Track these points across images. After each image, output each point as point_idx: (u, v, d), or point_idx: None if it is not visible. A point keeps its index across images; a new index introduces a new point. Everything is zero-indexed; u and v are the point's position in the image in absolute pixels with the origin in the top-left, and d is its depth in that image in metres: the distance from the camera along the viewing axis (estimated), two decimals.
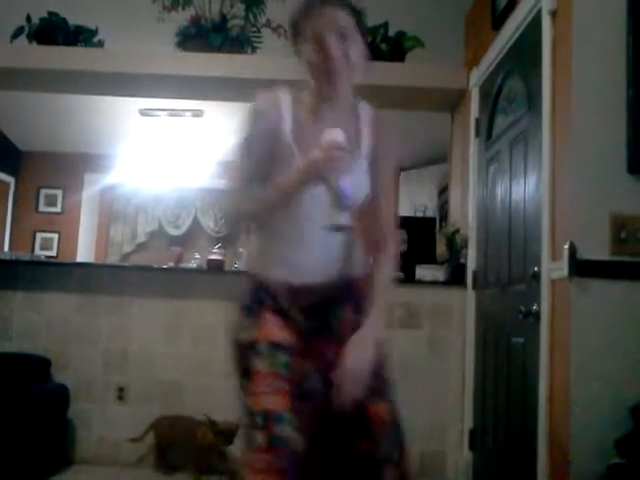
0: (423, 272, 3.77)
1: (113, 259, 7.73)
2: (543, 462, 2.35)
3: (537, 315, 2.46)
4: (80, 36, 3.90)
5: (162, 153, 7.08)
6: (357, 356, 1.53)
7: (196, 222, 7.97)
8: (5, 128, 6.81)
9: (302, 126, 1.61)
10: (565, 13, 2.36)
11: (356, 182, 1.58)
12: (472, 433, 3.39)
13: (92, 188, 7.51)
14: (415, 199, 6.32)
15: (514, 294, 2.82)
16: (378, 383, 1.60)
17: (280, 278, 1.62)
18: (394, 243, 1.70)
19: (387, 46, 3.81)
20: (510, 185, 2.95)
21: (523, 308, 2.56)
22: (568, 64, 2.30)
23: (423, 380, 3.56)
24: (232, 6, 3.90)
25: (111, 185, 7.56)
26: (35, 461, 3.16)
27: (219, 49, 3.84)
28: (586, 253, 2.19)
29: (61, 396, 3.45)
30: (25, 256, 4.36)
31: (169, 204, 7.96)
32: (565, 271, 2.20)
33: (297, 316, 1.62)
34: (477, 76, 3.55)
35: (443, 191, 5.57)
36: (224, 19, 3.87)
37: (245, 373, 1.55)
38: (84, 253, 7.39)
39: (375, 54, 3.82)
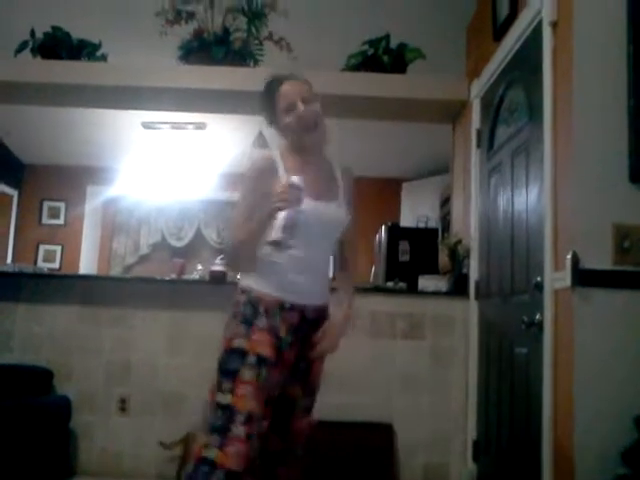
0: (426, 283, 3.77)
1: (116, 271, 7.74)
2: (548, 473, 2.33)
3: (540, 325, 2.45)
4: (84, 50, 3.93)
5: (165, 165, 7.11)
6: (335, 326, 2.03)
7: (199, 234, 7.98)
8: (8, 141, 6.84)
9: (297, 172, 1.96)
10: (566, 24, 2.37)
11: (335, 212, 2.05)
12: (476, 444, 3.37)
13: (95, 200, 7.54)
14: (417, 210, 6.32)
15: (517, 304, 2.82)
16: (310, 401, 2.06)
17: (274, 298, 1.96)
18: (352, 271, 2.28)
19: (388, 58, 3.83)
20: (512, 195, 2.96)
21: (526, 318, 2.56)
22: (569, 74, 2.31)
23: (426, 391, 3.55)
24: (234, 19, 3.92)
25: (114, 197, 7.59)
26: (37, 473, 3.15)
27: (221, 62, 3.86)
28: (589, 263, 2.18)
29: (63, 408, 3.45)
30: (28, 268, 4.37)
31: (172, 216, 7.98)
32: (568, 281, 2.20)
33: (282, 332, 1.95)
34: (478, 87, 3.57)
35: (445, 202, 5.58)
36: (226, 32, 3.90)
37: (227, 374, 1.92)
38: (87, 265, 7.41)
39: (376, 66, 3.85)
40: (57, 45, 3.88)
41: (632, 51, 2.23)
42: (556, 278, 2.33)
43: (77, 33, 3.94)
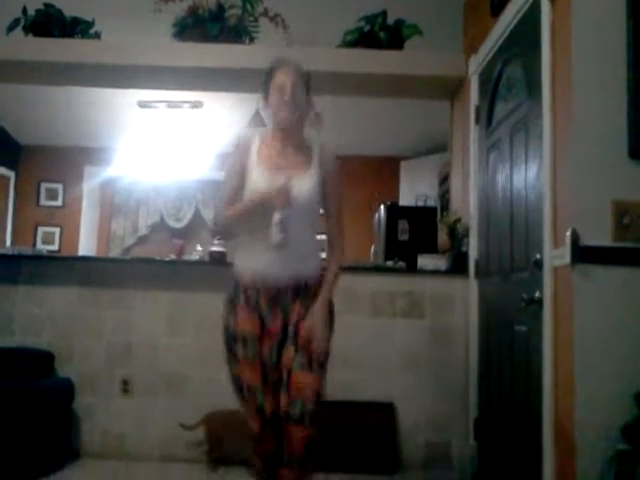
0: (425, 261, 3.77)
1: (115, 253, 7.74)
2: (548, 449, 2.35)
3: (540, 302, 2.45)
4: (77, 28, 3.87)
5: (162, 145, 7.06)
6: (315, 315, 2.19)
7: (197, 215, 7.97)
8: (4, 122, 6.79)
9: (265, 151, 2.26)
10: None
11: (303, 190, 2.19)
12: (477, 422, 3.39)
13: (92, 181, 7.50)
14: (416, 189, 6.30)
15: (516, 282, 2.81)
16: (308, 358, 2.16)
17: (250, 276, 2.21)
18: (339, 250, 2.34)
19: (385, 34, 3.79)
20: (511, 172, 2.94)
21: (526, 296, 2.55)
22: (568, 49, 2.28)
23: (426, 369, 3.56)
24: None
25: (111, 178, 7.55)
26: (41, 454, 3.17)
27: (216, 39, 3.82)
28: (588, 239, 2.18)
29: (65, 390, 3.46)
30: (27, 250, 4.35)
31: (170, 197, 7.96)
32: (567, 258, 2.20)
33: (263, 306, 2.19)
34: (476, 63, 3.53)
35: (444, 180, 5.55)
36: (221, 9, 3.84)
37: (227, 350, 2.25)
38: (86, 247, 7.39)
39: (373, 42, 3.81)
40: (49, 22, 3.83)
41: (632, 25, 2.20)
42: (555, 255, 2.33)
43: (70, 10, 3.89)
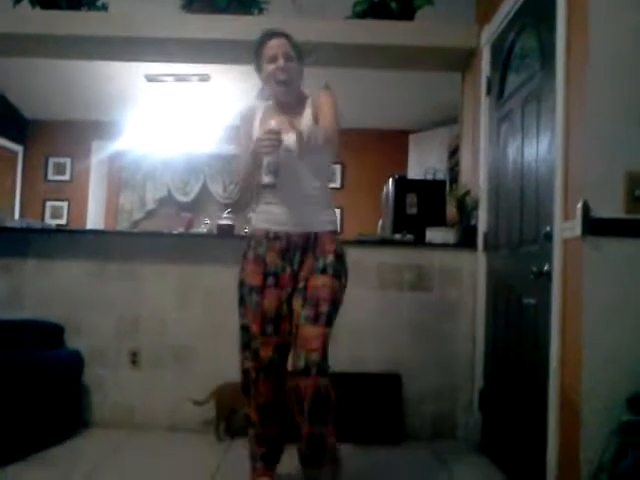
0: (433, 235, 3.75)
1: (123, 226, 7.75)
2: (553, 420, 2.36)
3: (549, 275, 2.44)
4: (84, 0, 3.84)
5: (169, 119, 7.04)
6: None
7: (205, 189, 7.95)
8: (12, 97, 6.78)
9: (268, 119, 2.34)
10: None
11: (300, 128, 2.25)
12: (482, 393, 3.41)
13: (100, 155, 7.49)
14: (425, 162, 6.26)
15: (525, 255, 2.80)
16: (315, 311, 2.23)
17: (262, 230, 2.39)
18: (329, 126, 2.33)
19: (396, 4, 3.73)
20: (522, 144, 2.91)
21: (535, 268, 2.54)
22: (584, 19, 2.24)
23: (434, 342, 3.57)
24: None
25: (119, 152, 7.53)
26: (52, 424, 3.21)
27: (225, 11, 3.77)
28: (600, 211, 2.16)
29: (75, 362, 3.49)
30: (36, 224, 4.36)
31: (177, 170, 7.94)
32: (578, 230, 2.18)
33: (269, 259, 2.35)
34: (488, 33, 3.48)
35: (453, 153, 5.51)
36: None
37: (240, 301, 2.41)
38: (94, 221, 7.41)
39: (383, 13, 3.75)
40: None
41: None
42: (566, 228, 2.31)
43: None
